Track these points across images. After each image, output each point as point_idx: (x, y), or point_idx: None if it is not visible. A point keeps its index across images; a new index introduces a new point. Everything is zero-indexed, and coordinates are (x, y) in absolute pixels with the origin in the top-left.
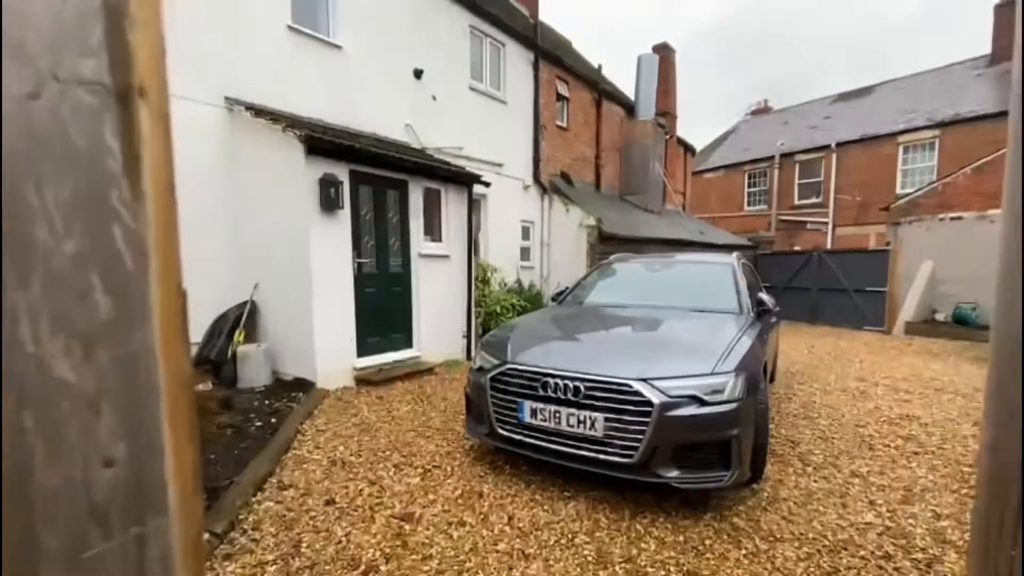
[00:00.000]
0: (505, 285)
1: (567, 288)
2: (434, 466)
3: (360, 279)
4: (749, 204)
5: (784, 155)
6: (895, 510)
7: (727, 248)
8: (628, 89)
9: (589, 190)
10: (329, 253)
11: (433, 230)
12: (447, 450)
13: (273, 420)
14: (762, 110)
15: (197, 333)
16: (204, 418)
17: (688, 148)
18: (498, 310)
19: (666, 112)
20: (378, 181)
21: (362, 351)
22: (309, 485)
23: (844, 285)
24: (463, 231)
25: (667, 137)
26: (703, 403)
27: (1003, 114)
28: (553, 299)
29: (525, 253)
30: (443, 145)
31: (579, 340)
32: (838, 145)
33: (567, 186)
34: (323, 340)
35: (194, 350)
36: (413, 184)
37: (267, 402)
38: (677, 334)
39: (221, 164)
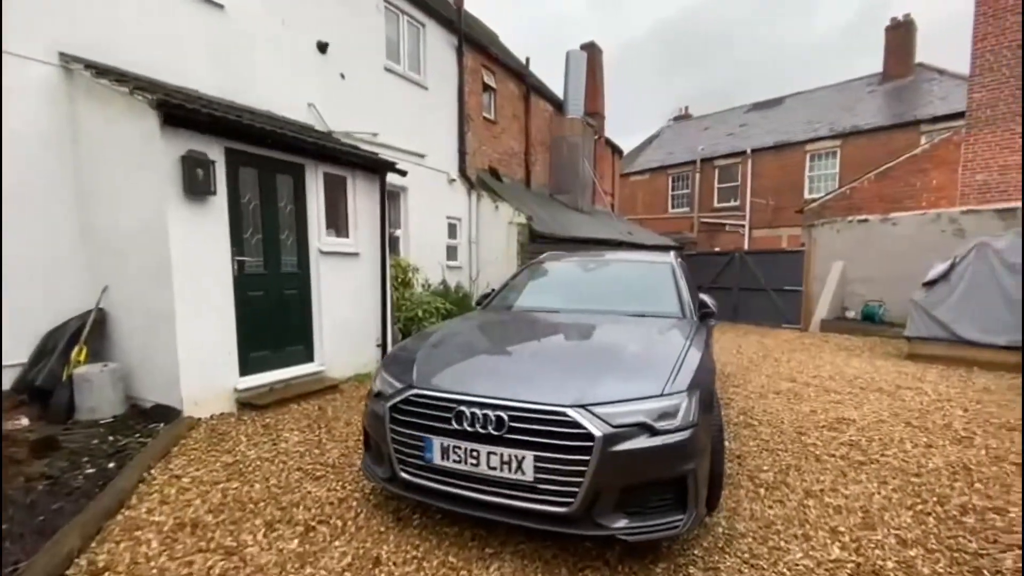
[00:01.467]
0: (429, 286)
1: (494, 290)
2: (320, 521)
3: (242, 281)
4: (673, 206)
5: (704, 160)
6: (859, 539)
7: (656, 248)
8: (557, 88)
9: (519, 187)
10: (197, 249)
11: (339, 224)
12: (341, 495)
13: (112, 465)
14: (684, 116)
15: (21, 352)
16: (8, 468)
17: (616, 150)
18: (420, 314)
19: (594, 112)
20: (266, 164)
21: (247, 368)
22: (135, 565)
23: (763, 285)
24: (375, 225)
25: (596, 137)
26: (654, 432)
27: (894, 126)
28: (478, 303)
29: (452, 252)
30: (355, 130)
31: (504, 355)
32: (753, 151)
33: (496, 182)
34: (191, 356)
35: (14, 374)
36: (312, 169)
37: (111, 439)
38: (619, 346)
39: (58, 139)
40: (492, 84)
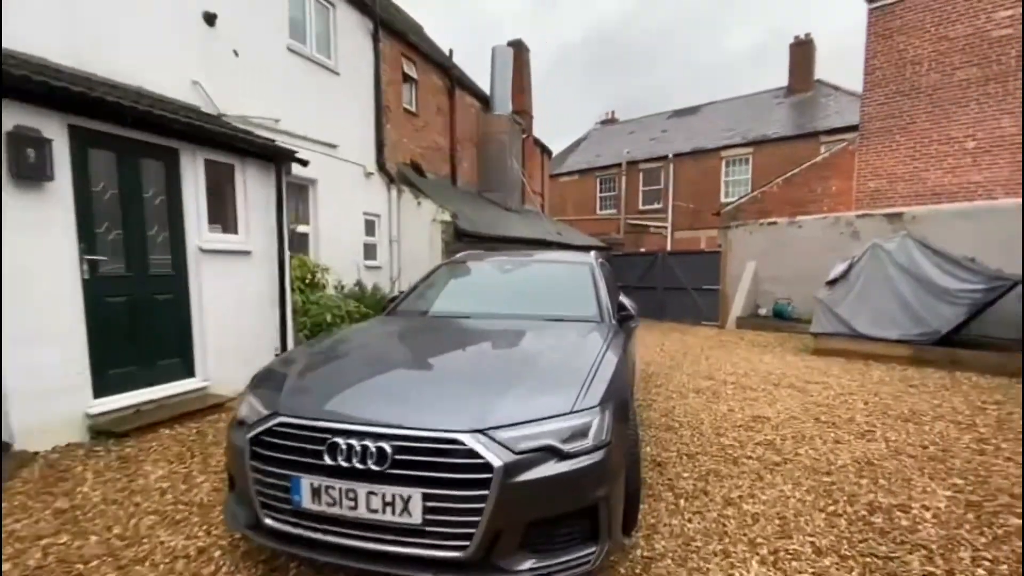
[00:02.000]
0: (343, 288)
1: (401, 292)
2: None
3: (95, 285)
4: (601, 208)
5: (630, 163)
6: (776, 551)
7: (584, 249)
8: (486, 85)
9: (445, 184)
10: (29, 245)
11: (226, 219)
12: (203, 544)
13: None
14: (610, 120)
15: None
16: None
17: (545, 150)
18: (328, 319)
19: (522, 111)
20: (128, 147)
21: (104, 388)
22: None
23: (684, 284)
24: (271, 221)
25: (524, 136)
26: (562, 456)
27: (798, 136)
28: (383, 307)
29: (371, 251)
30: (253, 115)
31: (396, 371)
32: (674, 156)
33: (419, 177)
34: (23, 376)
35: None
36: (189, 155)
37: None
38: (529, 356)
39: None
40: (413, 75)
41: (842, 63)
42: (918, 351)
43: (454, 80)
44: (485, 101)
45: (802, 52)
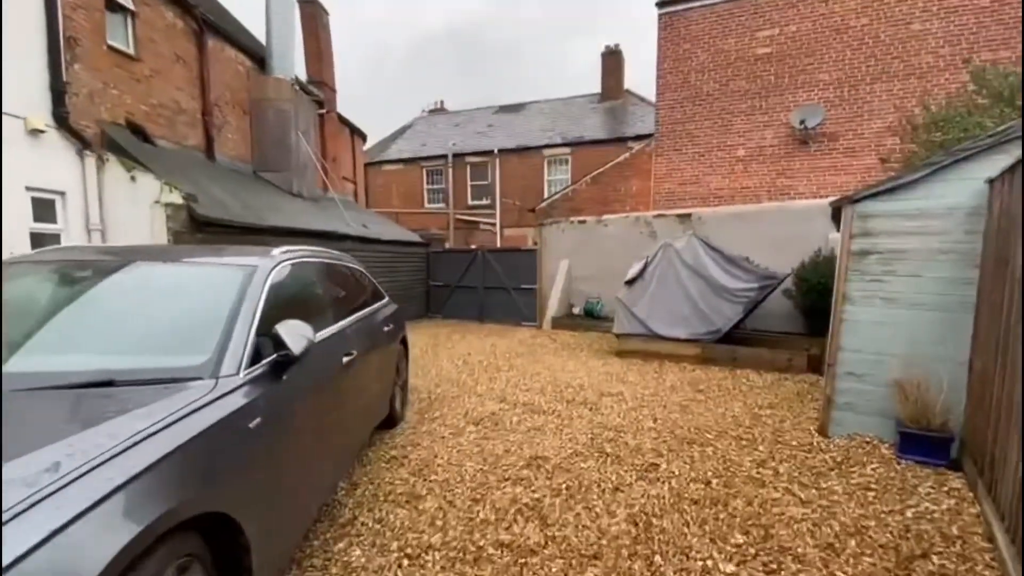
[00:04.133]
0: None
1: None
2: None
3: None
4: (429, 201)
5: (456, 155)
6: None
7: (402, 244)
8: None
9: (193, 157)
10: None
11: None
12: None
13: None
14: (439, 110)
15: None
16: None
17: (357, 132)
18: None
19: (321, 82)
20: None
21: None
22: None
23: (505, 283)
24: None
25: (323, 111)
26: None
27: (610, 140)
28: None
29: (51, 243)
30: None
31: None
32: (500, 152)
33: (141, 144)
34: None
35: None
36: None
37: None
38: None
39: None
40: (128, 4)
41: (649, 79)
42: (705, 349)
43: (204, 23)
44: (262, 62)
45: (613, 61)
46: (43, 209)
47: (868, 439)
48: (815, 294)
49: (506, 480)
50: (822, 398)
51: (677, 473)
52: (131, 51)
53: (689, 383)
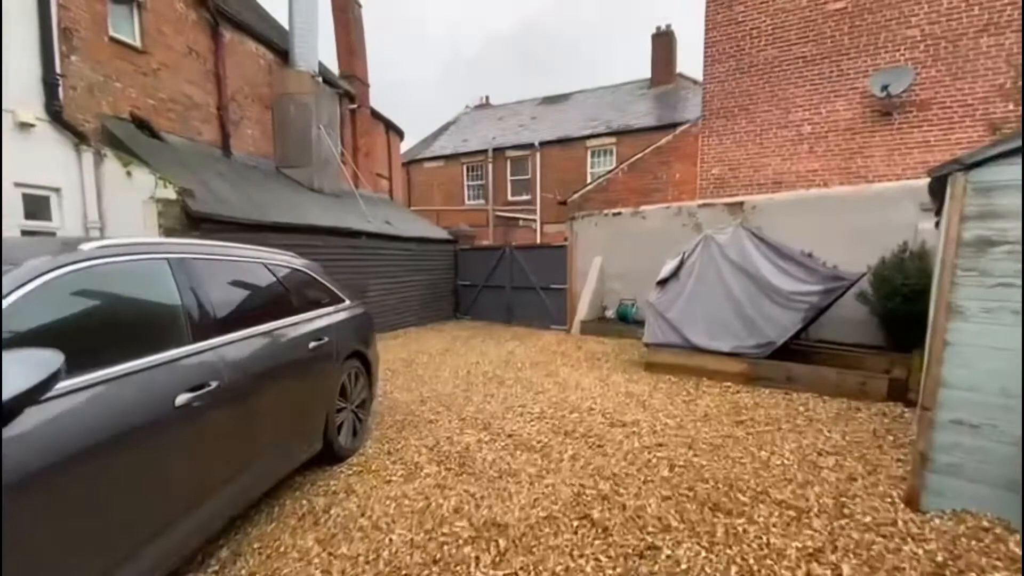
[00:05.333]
0: None
1: None
2: None
3: None
4: (470, 198)
5: (497, 150)
6: None
7: (419, 241)
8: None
9: (206, 152)
10: None
11: None
12: None
13: None
14: (483, 105)
15: None
16: None
17: (393, 128)
18: None
19: (352, 75)
20: None
21: None
22: None
23: (533, 283)
24: None
25: (354, 106)
26: None
27: (660, 127)
28: None
29: None
30: None
31: None
32: (541, 144)
33: (147, 138)
34: None
35: None
36: None
37: None
38: None
39: None
40: None
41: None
42: (752, 366)
43: (219, 14)
44: (284, 55)
45: (663, 43)
46: (37, 206)
47: (986, 523)
48: (898, 299)
49: (435, 563)
50: (911, 451)
51: (684, 567)
52: (137, 43)
53: (728, 411)
